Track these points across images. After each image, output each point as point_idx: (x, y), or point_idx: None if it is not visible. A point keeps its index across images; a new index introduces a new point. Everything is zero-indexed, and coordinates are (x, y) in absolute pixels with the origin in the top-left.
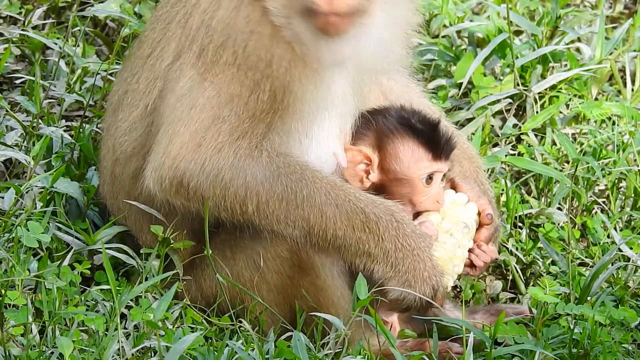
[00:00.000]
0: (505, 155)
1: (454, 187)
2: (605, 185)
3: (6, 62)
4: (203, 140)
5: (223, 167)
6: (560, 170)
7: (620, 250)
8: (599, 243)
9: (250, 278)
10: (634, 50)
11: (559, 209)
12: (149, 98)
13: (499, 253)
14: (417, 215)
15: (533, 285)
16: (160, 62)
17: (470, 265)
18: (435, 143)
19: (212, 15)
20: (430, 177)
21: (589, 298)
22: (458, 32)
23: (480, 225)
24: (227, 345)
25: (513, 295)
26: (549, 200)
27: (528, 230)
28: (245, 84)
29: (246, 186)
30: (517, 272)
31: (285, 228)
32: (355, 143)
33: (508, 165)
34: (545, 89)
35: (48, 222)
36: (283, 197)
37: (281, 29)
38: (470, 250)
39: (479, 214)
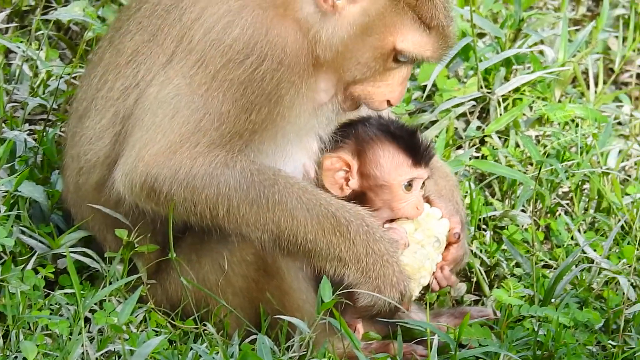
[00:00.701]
0: (470, 158)
1: (429, 202)
2: (569, 187)
3: None
4: (179, 149)
5: (197, 175)
6: (524, 173)
7: (583, 252)
8: (563, 245)
9: (215, 282)
10: (597, 53)
11: (522, 211)
12: (121, 106)
13: None
14: (392, 222)
15: (497, 288)
16: (142, 72)
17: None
18: (415, 149)
19: (223, 32)
20: (409, 184)
21: (553, 300)
22: None
23: (448, 244)
24: (192, 348)
25: (477, 298)
26: (512, 202)
27: (492, 233)
28: (240, 103)
29: (218, 192)
30: (482, 274)
31: (254, 232)
32: (334, 151)
33: (472, 168)
34: (509, 92)
35: (12, 226)
36: (254, 201)
37: (305, 71)
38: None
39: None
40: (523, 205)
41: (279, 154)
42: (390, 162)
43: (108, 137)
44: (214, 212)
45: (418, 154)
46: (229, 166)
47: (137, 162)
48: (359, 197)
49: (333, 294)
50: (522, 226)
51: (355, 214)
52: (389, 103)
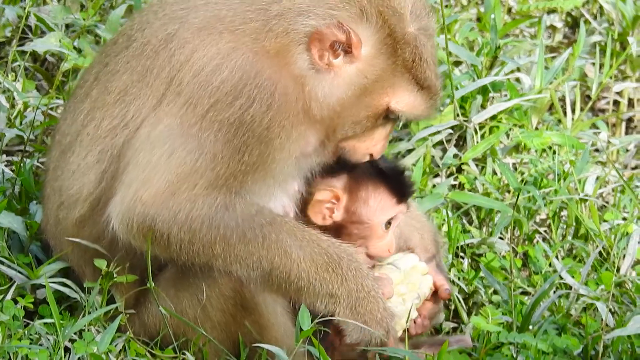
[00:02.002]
0: (448, 188)
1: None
2: (547, 214)
3: None
4: (177, 190)
5: (196, 218)
6: (501, 200)
7: (561, 278)
8: (541, 272)
9: (194, 316)
10: (574, 80)
11: (500, 238)
12: (109, 144)
13: None
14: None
15: (475, 315)
16: (131, 112)
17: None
18: (402, 188)
19: (212, 74)
20: (389, 223)
21: (531, 327)
22: None
23: (430, 298)
24: None
25: (456, 325)
26: (490, 229)
27: (470, 260)
28: (233, 144)
29: (217, 234)
30: (460, 301)
31: (244, 269)
32: (325, 181)
33: (448, 198)
34: (486, 119)
35: None
36: (251, 241)
37: (296, 115)
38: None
39: (434, 288)
40: (501, 233)
41: (266, 194)
42: (378, 203)
43: (93, 174)
44: (209, 252)
45: (404, 193)
46: (229, 209)
47: (135, 203)
48: (336, 229)
49: (312, 323)
50: (500, 253)
51: (345, 250)
52: (371, 156)
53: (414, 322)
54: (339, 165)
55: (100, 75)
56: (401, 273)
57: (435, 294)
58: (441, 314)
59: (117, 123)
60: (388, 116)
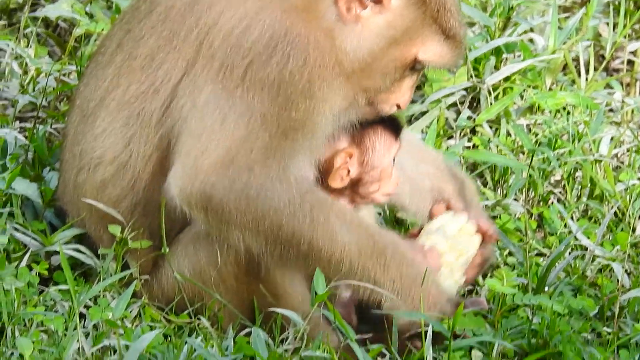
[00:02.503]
0: (463, 149)
1: (449, 208)
2: (561, 175)
3: None
4: (236, 156)
5: (253, 187)
6: (516, 161)
7: (576, 239)
8: (556, 233)
9: (210, 276)
10: (587, 40)
11: (515, 200)
12: (137, 109)
13: None
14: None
15: (490, 277)
16: (160, 77)
17: None
18: (395, 124)
19: (242, 36)
20: (393, 159)
21: (546, 288)
22: None
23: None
24: (186, 342)
25: (471, 287)
26: (504, 191)
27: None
28: (277, 101)
29: (269, 206)
30: None
31: (281, 249)
32: (330, 148)
33: (463, 158)
34: (499, 81)
35: (5, 223)
36: (299, 219)
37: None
38: None
39: (481, 237)
40: (515, 194)
41: (313, 153)
42: (383, 145)
43: (119, 137)
44: (256, 225)
45: (398, 129)
46: (283, 181)
47: (197, 172)
48: (352, 186)
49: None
50: (515, 215)
51: (391, 238)
52: (398, 107)
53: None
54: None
55: (123, 42)
56: (448, 240)
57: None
58: (493, 256)
59: (145, 88)
60: (414, 67)
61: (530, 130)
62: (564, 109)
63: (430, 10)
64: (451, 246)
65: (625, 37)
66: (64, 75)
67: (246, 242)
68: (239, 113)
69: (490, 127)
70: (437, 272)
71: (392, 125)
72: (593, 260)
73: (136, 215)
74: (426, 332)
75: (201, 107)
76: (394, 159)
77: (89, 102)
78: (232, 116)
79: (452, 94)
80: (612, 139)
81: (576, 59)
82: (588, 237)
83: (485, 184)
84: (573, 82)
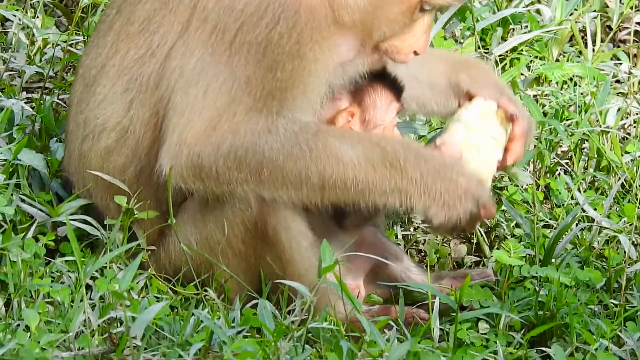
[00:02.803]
0: None
1: (470, 97)
2: (568, 146)
3: None
4: (218, 123)
5: (240, 146)
6: None
7: (584, 211)
8: (563, 205)
9: (217, 242)
10: (594, 11)
11: (522, 170)
12: (136, 73)
13: None
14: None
15: (497, 249)
16: (157, 40)
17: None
18: (395, 84)
19: (233, 3)
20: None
21: (553, 260)
22: None
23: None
24: (193, 314)
25: (478, 259)
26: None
27: (492, 193)
28: (264, 63)
29: (263, 157)
30: (482, 235)
31: (294, 191)
32: (331, 108)
33: None
34: (506, 51)
35: (11, 194)
36: (298, 157)
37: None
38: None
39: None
40: (523, 166)
41: (309, 110)
42: (384, 101)
43: (120, 103)
44: (257, 178)
45: (399, 90)
46: (272, 131)
47: (181, 147)
48: None
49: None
50: (522, 186)
51: (398, 141)
52: (415, 53)
53: (500, 161)
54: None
55: (122, 8)
56: (468, 125)
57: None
58: (533, 124)
59: (143, 52)
60: (424, 8)
61: (537, 101)
62: (571, 80)
63: None
64: (473, 129)
65: (632, 8)
66: (71, 45)
67: (254, 193)
68: (222, 80)
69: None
70: (459, 159)
71: (393, 84)
72: (600, 232)
73: (142, 183)
74: (433, 303)
75: (188, 77)
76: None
77: (91, 70)
78: (215, 84)
79: None
80: (618, 110)
81: (583, 30)
82: (595, 209)
83: None
84: (580, 53)
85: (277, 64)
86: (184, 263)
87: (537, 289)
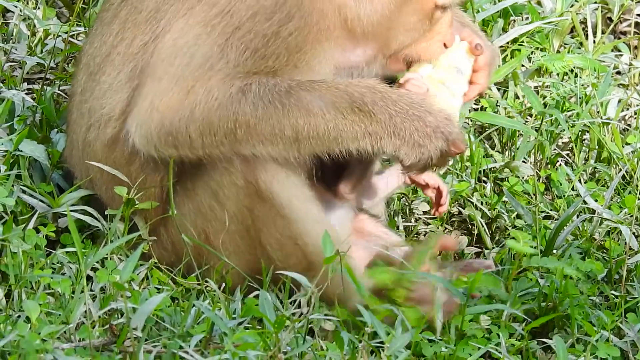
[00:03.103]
0: (469, 110)
1: None
2: (569, 137)
3: None
4: (192, 87)
5: (212, 109)
6: (524, 124)
7: (585, 202)
8: (564, 196)
9: (211, 208)
10: (595, 2)
11: (523, 162)
12: (140, 60)
13: (464, 208)
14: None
15: (498, 240)
16: (161, 27)
17: None
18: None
19: None
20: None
21: (554, 251)
22: None
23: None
24: (194, 305)
25: (479, 250)
26: (512, 154)
27: (492, 185)
28: (260, 52)
29: (235, 119)
30: (483, 226)
31: (271, 146)
32: None
33: (471, 120)
34: (507, 43)
35: (12, 185)
36: (271, 115)
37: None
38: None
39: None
40: (523, 157)
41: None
42: None
43: (125, 92)
44: (232, 138)
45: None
46: (244, 91)
47: (152, 113)
48: None
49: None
50: (523, 177)
51: (365, 85)
52: (445, 46)
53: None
54: None
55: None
56: (433, 62)
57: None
58: (497, 56)
59: (148, 39)
60: (442, 7)
61: (538, 92)
62: (572, 71)
63: None
64: (438, 64)
65: None
66: (72, 36)
67: (232, 153)
68: (210, 56)
69: (498, 90)
70: (426, 95)
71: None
72: (601, 223)
73: (148, 171)
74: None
75: (177, 48)
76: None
77: (95, 59)
78: (200, 59)
79: None
80: (619, 101)
81: (584, 22)
82: (596, 200)
83: (493, 147)
84: (581, 44)
85: (274, 55)
86: (184, 255)
87: (540, 280)
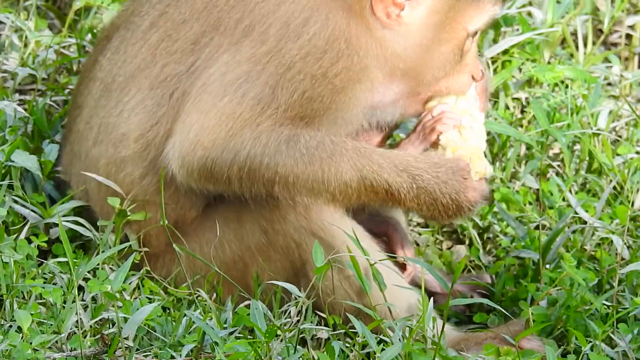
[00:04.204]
0: None
1: None
2: (560, 148)
3: None
4: (240, 131)
5: (257, 156)
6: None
7: (576, 213)
8: (555, 206)
9: (255, 240)
10: (586, 14)
11: (514, 172)
12: (172, 88)
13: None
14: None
15: (489, 250)
16: (201, 60)
17: None
18: None
19: (302, 26)
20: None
21: (547, 266)
22: None
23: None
24: (185, 315)
25: (473, 261)
26: (503, 164)
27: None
28: (308, 94)
29: (276, 171)
30: (476, 238)
31: (306, 197)
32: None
33: None
34: (498, 54)
35: (4, 196)
36: (310, 176)
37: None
38: None
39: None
40: (514, 167)
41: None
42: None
43: (148, 116)
44: (269, 187)
45: None
46: (290, 144)
47: (195, 147)
48: None
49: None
50: (514, 188)
51: (407, 176)
52: (473, 79)
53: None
54: None
55: (158, 22)
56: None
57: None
58: (489, 81)
59: (183, 69)
60: (472, 34)
61: (528, 103)
62: (562, 82)
63: None
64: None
65: (623, 11)
66: (64, 48)
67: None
68: (261, 97)
69: (489, 100)
70: (459, 125)
71: None
72: (592, 234)
73: (156, 193)
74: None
75: (225, 84)
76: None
77: (116, 77)
78: (251, 102)
79: None
80: (610, 112)
81: (574, 33)
82: (586, 211)
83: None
84: (571, 55)
85: (319, 97)
86: (175, 264)
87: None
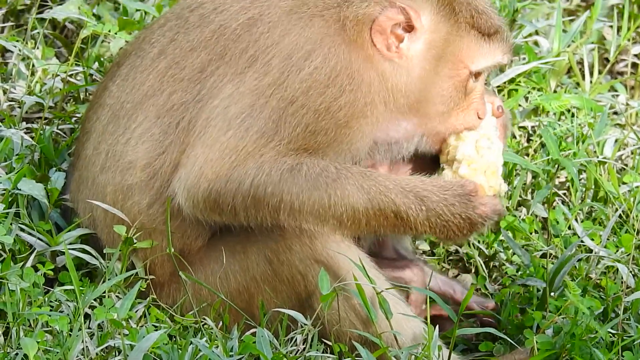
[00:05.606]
0: None
1: None
2: (566, 177)
3: None
4: (244, 161)
5: (260, 185)
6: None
7: (582, 242)
8: (561, 235)
9: (260, 271)
10: (592, 43)
11: (521, 200)
12: (178, 117)
13: (461, 246)
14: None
15: (495, 278)
16: (207, 89)
17: None
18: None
19: (304, 60)
20: None
21: (552, 294)
22: None
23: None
24: (191, 342)
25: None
26: (510, 192)
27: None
28: (311, 128)
29: (281, 198)
30: (481, 265)
31: (312, 225)
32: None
33: None
34: (504, 82)
35: (11, 224)
36: (316, 202)
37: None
38: None
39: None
40: (520, 196)
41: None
42: None
43: (155, 144)
44: (275, 215)
45: None
46: (293, 173)
47: (200, 179)
48: None
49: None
50: (520, 217)
51: (414, 197)
52: (479, 117)
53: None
54: None
55: (167, 50)
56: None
57: None
58: (510, 125)
59: (190, 98)
60: (476, 75)
61: (534, 132)
62: (569, 111)
63: (463, 18)
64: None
65: (629, 40)
66: (71, 76)
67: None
68: (263, 132)
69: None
70: (478, 144)
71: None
72: (598, 262)
73: (164, 220)
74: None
75: (230, 116)
76: None
77: (124, 104)
78: (254, 136)
79: None
80: (616, 141)
81: (580, 62)
82: (592, 239)
83: None
84: (577, 84)
85: (323, 130)
86: (182, 292)
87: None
